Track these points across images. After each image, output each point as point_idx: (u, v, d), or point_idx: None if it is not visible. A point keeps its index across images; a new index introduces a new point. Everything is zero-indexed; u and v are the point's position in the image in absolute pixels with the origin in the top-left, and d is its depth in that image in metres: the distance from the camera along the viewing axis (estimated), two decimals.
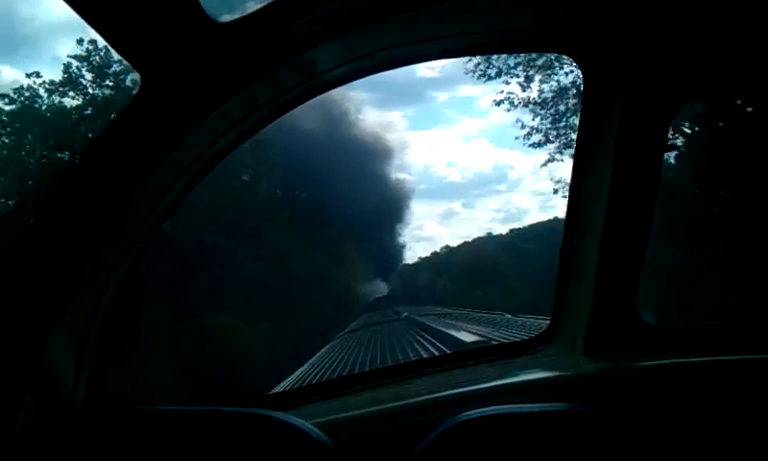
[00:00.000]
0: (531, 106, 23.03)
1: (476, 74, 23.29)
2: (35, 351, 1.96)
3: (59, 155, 23.60)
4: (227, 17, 1.89)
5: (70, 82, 25.63)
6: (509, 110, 23.81)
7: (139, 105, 2.03)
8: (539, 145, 23.01)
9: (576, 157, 2.48)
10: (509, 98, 23.52)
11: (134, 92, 2.06)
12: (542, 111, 22.72)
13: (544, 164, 23.36)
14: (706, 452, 1.68)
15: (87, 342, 2.17)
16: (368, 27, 2.05)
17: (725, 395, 2.28)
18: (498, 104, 23.87)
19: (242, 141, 2.33)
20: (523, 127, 23.79)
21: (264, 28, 1.93)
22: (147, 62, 1.91)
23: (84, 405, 2.17)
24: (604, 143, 2.36)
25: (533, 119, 23.29)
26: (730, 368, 2.44)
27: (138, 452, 1.64)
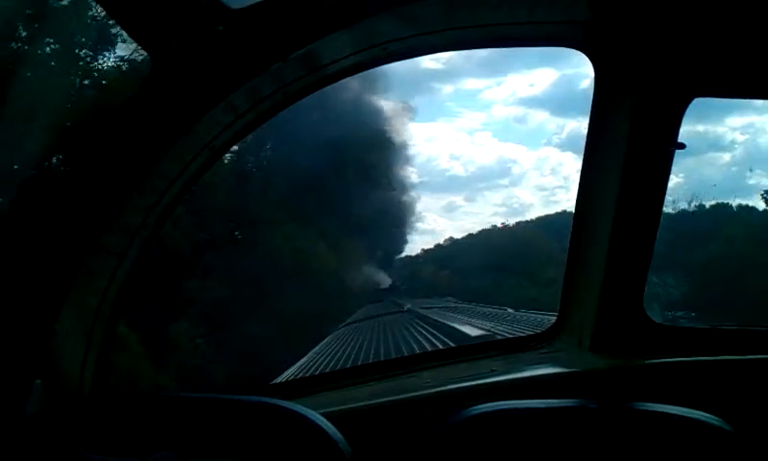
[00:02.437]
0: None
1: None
2: (42, 337, 1.96)
3: None
4: (239, 3, 1.89)
5: None
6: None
7: (149, 89, 2.03)
8: None
9: (586, 154, 2.46)
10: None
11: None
12: None
13: None
14: (713, 451, 1.67)
15: (95, 328, 2.18)
16: (377, 18, 2.04)
17: (731, 394, 2.27)
18: None
19: (250, 130, 2.33)
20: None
21: (275, 15, 1.92)
22: (158, 45, 1.90)
23: (91, 391, 2.18)
24: (613, 140, 2.34)
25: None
26: (737, 367, 2.43)
27: (145, 438, 1.64)
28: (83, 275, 2.07)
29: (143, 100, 2.06)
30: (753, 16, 2.10)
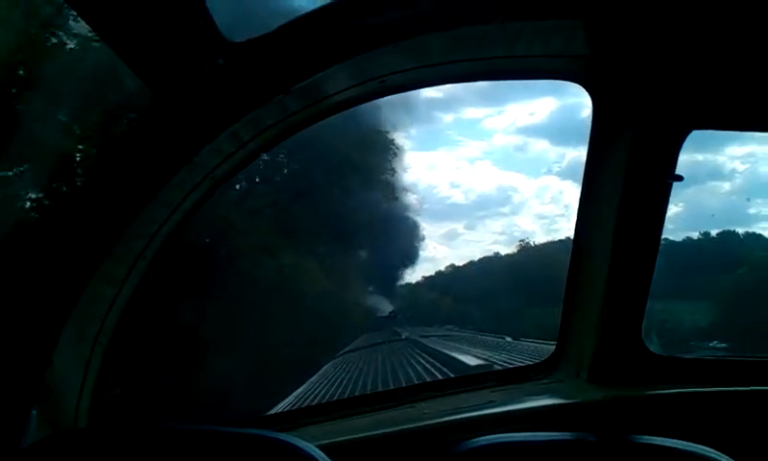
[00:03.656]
0: None
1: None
2: (40, 367, 1.95)
3: None
4: (239, 37, 1.91)
5: None
6: None
7: (148, 121, 2.05)
8: None
9: (584, 186, 2.48)
10: None
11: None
12: None
13: None
14: None
15: (92, 358, 2.17)
16: (378, 51, 2.07)
17: (732, 426, 2.26)
18: None
19: (251, 161, 2.35)
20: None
21: (275, 49, 1.95)
22: (157, 80, 1.93)
23: (87, 422, 2.16)
24: (611, 173, 2.36)
25: None
26: (736, 398, 2.42)
27: None
28: (81, 303, 2.07)
29: (142, 131, 2.08)
30: (748, 51, 2.13)
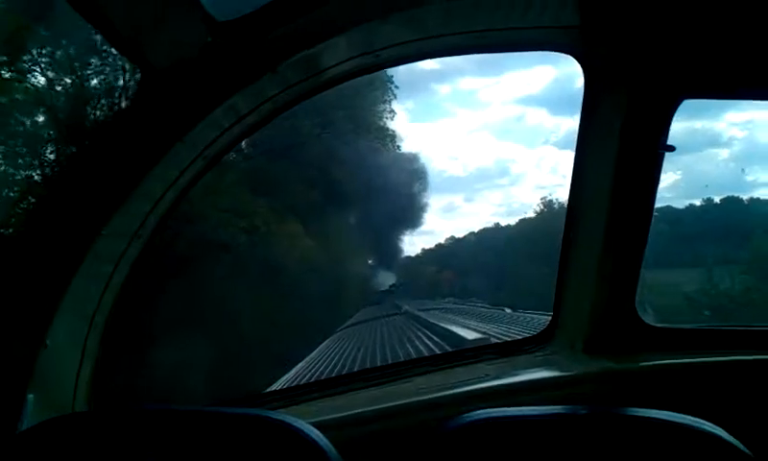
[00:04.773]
0: None
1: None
2: (34, 350, 1.96)
3: None
4: (233, 14, 1.89)
5: None
6: None
7: (140, 100, 2.04)
8: None
9: (576, 157, 2.48)
10: None
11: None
12: None
13: None
14: (708, 457, 1.67)
15: (88, 340, 2.18)
16: (372, 24, 2.06)
17: (726, 395, 2.28)
18: None
19: (248, 135, 2.34)
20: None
21: (269, 24, 1.93)
22: (147, 62, 1.92)
23: (85, 405, 2.18)
24: (604, 143, 2.36)
25: None
26: (731, 368, 2.44)
27: (135, 452, 1.64)
28: (77, 284, 2.07)
29: (135, 109, 2.07)
30: (740, 18, 2.12)
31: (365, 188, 22.57)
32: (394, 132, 23.30)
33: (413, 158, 24.73)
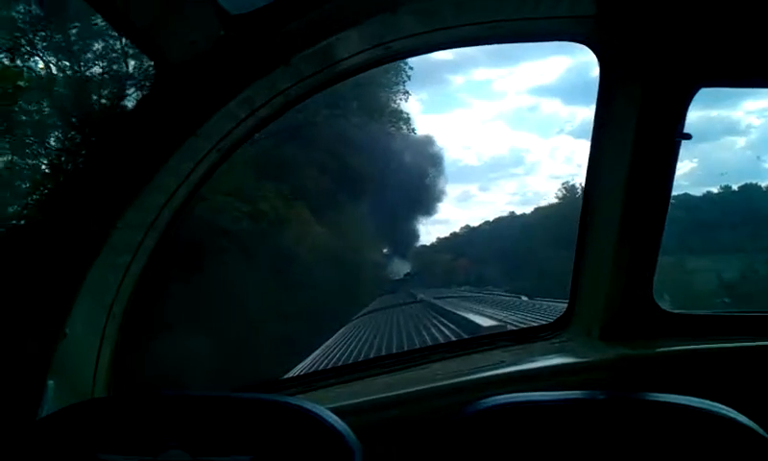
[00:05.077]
0: None
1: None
2: (53, 337, 2.00)
3: None
4: (246, 7, 1.91)
5: None
6: None
7: (155, 95, 2.06)
8: None
9: (592, 146, 2.47)
10: None
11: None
12: None
13: None
14: (726, 442, 1.67)
15: (107, 328, 2.22)
16: (385, 16, 2.06)
17: (743, 381, 2.27)
18: None
19: (261, 128, 2.36)
20: None
21: (282, 17, 1.95)
22: (162, 56, 1.94)
23: (104, 391, 2.23)
24: (620, 132, 2.35)
25: None
26: (749, 354, 2.43)
27: (155, 437, 1.67)
28: (95, 274, 2.11)
29: (150, 104, 2.09)
30: (756, 5, 2.09)
31: (379, 173, 22.09)
32: (408, 115, 22.60)
33: (428, 142, 23.97)
